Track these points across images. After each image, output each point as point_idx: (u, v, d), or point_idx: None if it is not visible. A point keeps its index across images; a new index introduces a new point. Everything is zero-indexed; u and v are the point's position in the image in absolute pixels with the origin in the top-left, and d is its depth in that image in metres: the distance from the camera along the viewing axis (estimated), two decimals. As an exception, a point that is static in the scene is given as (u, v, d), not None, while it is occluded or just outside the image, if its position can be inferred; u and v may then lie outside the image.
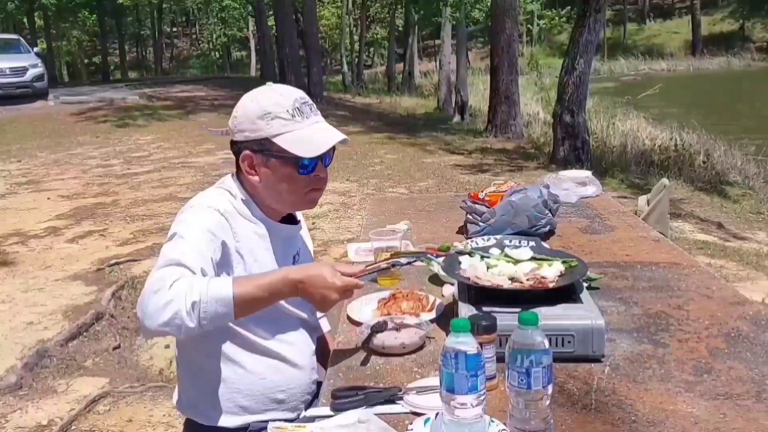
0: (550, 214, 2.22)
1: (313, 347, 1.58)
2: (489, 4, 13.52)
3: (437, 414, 1.10)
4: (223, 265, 1.37)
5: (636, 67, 33.59)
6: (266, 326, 1.47)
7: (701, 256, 4.72)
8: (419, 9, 19.29)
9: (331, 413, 1.23)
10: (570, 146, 8.33)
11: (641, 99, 16.37)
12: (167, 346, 3.45)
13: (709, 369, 1.34)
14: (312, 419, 1.23)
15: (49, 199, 7.08)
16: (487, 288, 1.46)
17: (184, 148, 10.20)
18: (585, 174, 2.92)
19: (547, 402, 1.07)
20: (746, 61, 33.16)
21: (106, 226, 5.85)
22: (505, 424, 1.09)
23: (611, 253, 2.09)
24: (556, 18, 39.31)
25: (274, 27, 19.95)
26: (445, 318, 1.57)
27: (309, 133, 1.43)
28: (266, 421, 1.36)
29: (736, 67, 32.25)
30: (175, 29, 49.23)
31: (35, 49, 16.23)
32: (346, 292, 1.35)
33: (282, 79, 15.77)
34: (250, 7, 26.90)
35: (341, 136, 1.46)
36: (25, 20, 31.72)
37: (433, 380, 1.22)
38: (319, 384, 1.55)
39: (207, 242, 1.34)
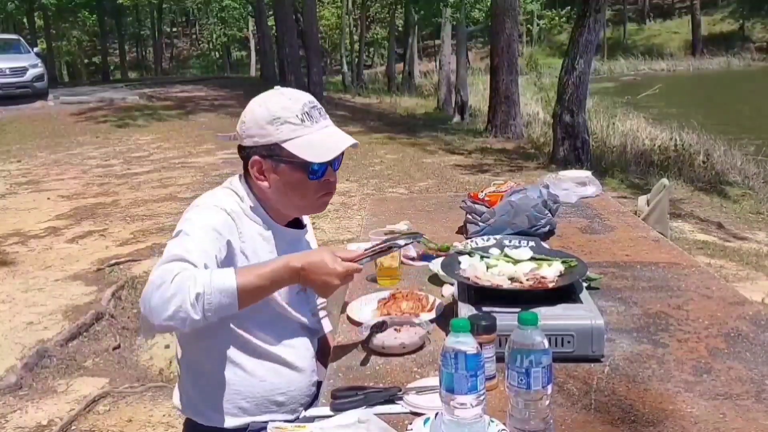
0: (549, 214, 2.22)
1: (313, 351, 1.58)
2: (489, 4, 13.52)
3: (437, 414, 1.09)
4: (227, 264, 1.37)
5: (636, 67, 33.57)
6: (267, 330, 1.46)
7: (701, 256, 4.72)
8: (419, 9, 19.27)
9: (331, 413, 1.23)
10: (570, 146, 8.33)
11: (641, 99, 16.38)
12: (167, 346, 3.46)
13: (709, 369, 1.34)
14: (312, 419, 1.23)
15: (49, 199, 7.08)
16: (486, 288, 1.46)
17: (184, 148, 10.20)
18: (585, 174, 2.92)
19: (547, 402, 1.07)
20: (746, 61, 33.15)
21: (106, 226, 5.85)
22: (504, 424, 1.09)
23: (611, 253, 2.09)
24: (556, 18, 39.29)
25: (274, 27, 19.98)
26: (445, 318, 1.57)
27: (319, 138, 1.42)
28: (266, 422, 1.36)
29: (736, 67, 32.24)
30: (175, 29, 49.22)
31: (35, 49, 16.21)
32: (347, 277, 1.34)
33: (282, 79, 15.80)
34: (250, 7, 26.93)
35: (351, 141, 1.45)
36: (25, 20, 31.71)
37: (433, 380, 1.21)
38: (319, 384, 1.55)
39: (212, 240, 1.33)
